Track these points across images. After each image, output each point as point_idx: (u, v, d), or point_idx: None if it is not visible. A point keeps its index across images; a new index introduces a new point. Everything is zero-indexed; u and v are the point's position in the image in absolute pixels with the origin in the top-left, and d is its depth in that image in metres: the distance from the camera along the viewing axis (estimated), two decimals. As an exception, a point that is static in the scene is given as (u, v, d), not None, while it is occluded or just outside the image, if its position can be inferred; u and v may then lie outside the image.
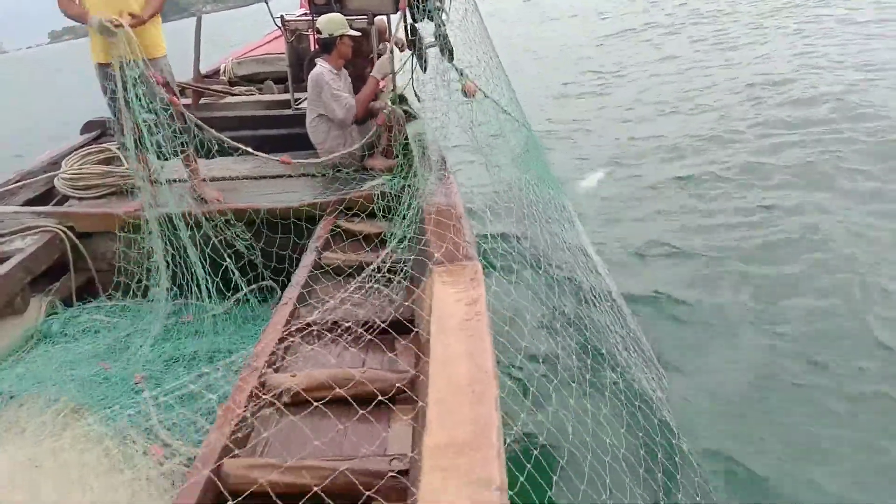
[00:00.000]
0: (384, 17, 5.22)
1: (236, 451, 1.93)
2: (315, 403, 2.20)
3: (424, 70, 4.70)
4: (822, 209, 5.48)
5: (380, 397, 2.19)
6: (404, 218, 3.61)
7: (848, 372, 3.61)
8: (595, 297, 3.65)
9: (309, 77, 4.36)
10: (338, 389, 2.22)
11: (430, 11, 4.05)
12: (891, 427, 3.22)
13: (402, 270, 3.14)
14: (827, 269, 4.55)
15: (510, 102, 4.23)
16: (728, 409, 3.45)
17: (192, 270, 3.58)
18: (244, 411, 2.06)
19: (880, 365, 3.65)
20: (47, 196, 4.35)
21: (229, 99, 5.74)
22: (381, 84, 4.29)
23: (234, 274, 3.60)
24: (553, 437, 2.36)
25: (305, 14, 5.28)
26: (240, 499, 1.74)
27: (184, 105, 3.93)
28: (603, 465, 2.35)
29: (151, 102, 3.59)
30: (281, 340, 2.51)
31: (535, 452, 1.93)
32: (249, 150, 3.78)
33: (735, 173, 6.56)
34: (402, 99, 5.11)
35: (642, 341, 3.65)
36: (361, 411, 2.17)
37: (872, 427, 3.24)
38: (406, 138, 4.43)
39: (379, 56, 4.96)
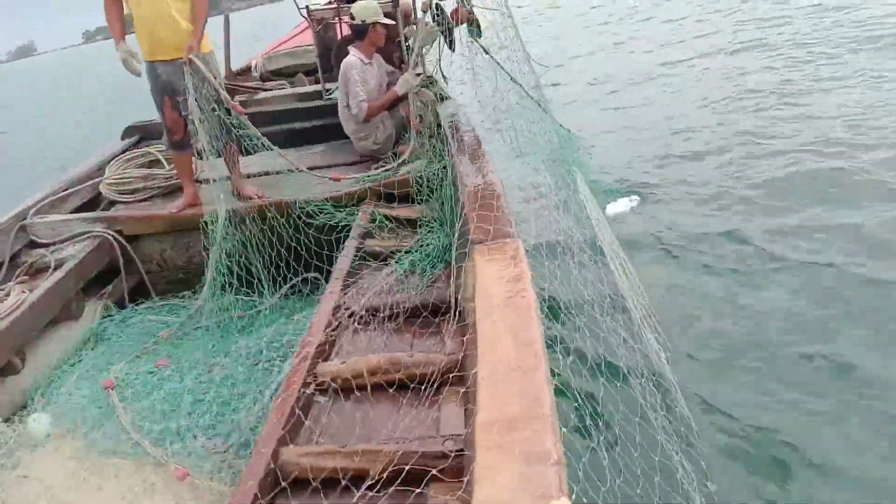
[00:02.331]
0: (409, 0, 5.19)
1: (292, 440, 1.96)
2: (365, 389, 2.22)
3: (452, 49, 4.66)
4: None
5: (429, 380, 2.19)
6: (442, 200, 3.60)
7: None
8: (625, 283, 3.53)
9: (341, 65, 4.37)
10: (388, 374, 2.23)
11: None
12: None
13: (443, 252, 3.14)
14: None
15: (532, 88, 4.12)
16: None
17: (241, 267, 3.65)
18: (297, 400, 2.09)
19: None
20: (94, 201, 4.46)
21: (262, 94, 5.79)
22: (405, 110, 4.28)
23: (279, 268, 3.65)
24: (607, 410, 2.33)
25: (330, 3, 5.27)
26: (291, 485, 1.76)
27: None
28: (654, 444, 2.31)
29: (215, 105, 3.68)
30: (328, 329, 2.54)
31: (593, 425, 1.91)
32: (285, 156, 3.81)
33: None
34: (431, 81, 5.09)
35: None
36: (412, 395, 2.18)
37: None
38: (438, 120, 4.41)
39: (407, 40, 4.94)
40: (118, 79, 3.91)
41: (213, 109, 3.69)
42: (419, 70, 5.02)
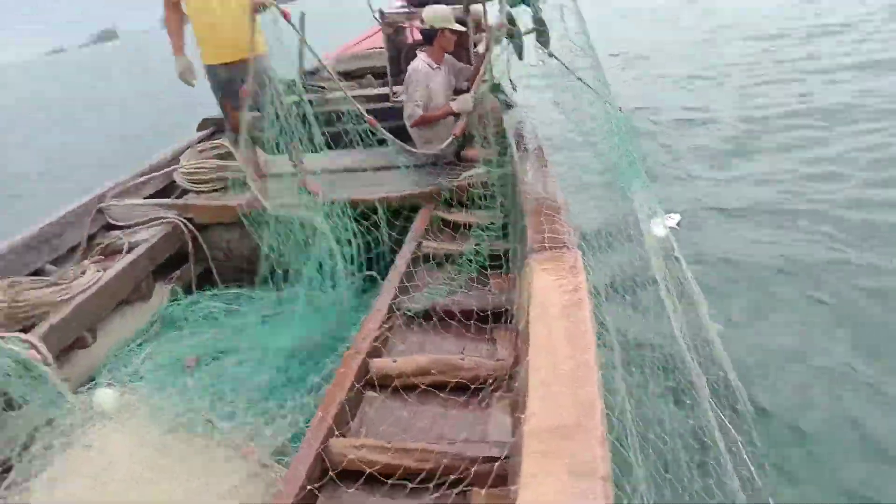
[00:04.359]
0: (479, 6, 5.21)
1: (341, 432, 2.00)
2: (415, 389, 2.25)
3: (521, 58, 4.66)
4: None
5: (480, 385, 2.21)
6: (502, 207, 3.61)
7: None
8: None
9: (408, 69, 4.43)
10: (438, 375, 2.26)
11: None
12: None
13: (501, 259, 3.15)
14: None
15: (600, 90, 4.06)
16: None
17: (302, 261, 3.74)
18: (348, 394, 2.13)
19: None
20: (169, 189, 4.66)
21: (331, 94, 5.92)
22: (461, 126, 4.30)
23: (340, 264, 3.72)
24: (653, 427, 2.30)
25: (404, 7, 5.36)
26: (338, 475, 1.80)
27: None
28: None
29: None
30: (382, 327, 2.58)
31: (638, 441, 1.89)
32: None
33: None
34: (497, 88, 5.10)
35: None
36: (461, 398, 2.20)
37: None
38: (503, 127, 4.42)
39: (475, 46, 4.97)
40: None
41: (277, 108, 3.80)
42: (485, 77, 5.05)
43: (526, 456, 1.46)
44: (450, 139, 4.37)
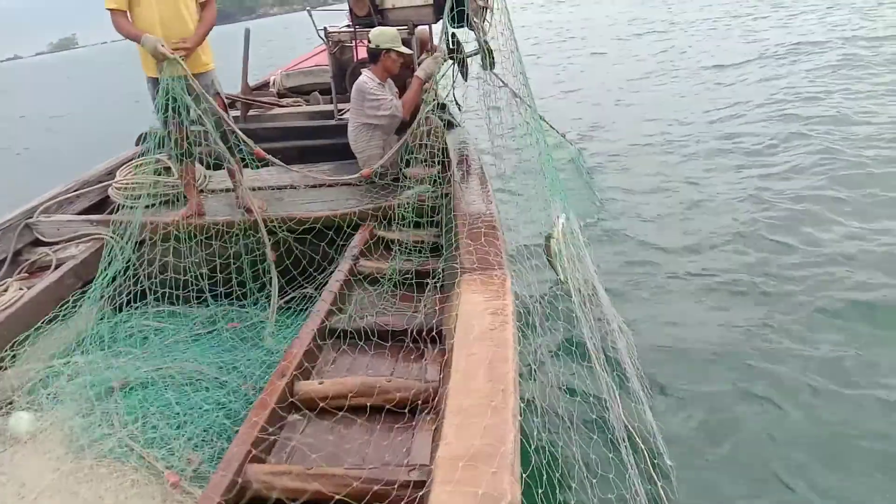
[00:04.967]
0: (426, 27, 5.26)
1: (261, 457, 1.96)
2: (342, 411, 2.23)
3: (465, 78, 4.71)
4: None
5: (406, 407, 2.20)
6: (439, 226, 3.63)
7: None
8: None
9: (353, 85, 4.42)
10: (365, 397, 2.24)
11: (469, 19, 4.05)
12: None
13: (435, 278, 3.15)
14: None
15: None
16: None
17: (236, 278, 3.68)
18: (270, 417, 2.09)
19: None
20: (102, 204, 4.53)
21: (276, 110, 5.88)
22: (427, 85, 4.24)
23: (275, 281, 3.67)
24: (570, 453, 2.32)
25: (349, 26, 5.36)
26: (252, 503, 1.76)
27: (233, 117, 4.05)
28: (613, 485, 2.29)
29: (201, 115, 3.72)
30: (312, 347, 2.55)
31: (555, 469, 1.90)
32: (276, 161, 3.84)
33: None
34: (442, 107, 5.14)
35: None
36: (387, 420, 2.18)
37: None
38: (446, 146, 4.45)
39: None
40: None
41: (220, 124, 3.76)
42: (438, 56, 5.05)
43: (436, 484, 1.45)
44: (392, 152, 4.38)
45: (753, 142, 7.92)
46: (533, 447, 1.83)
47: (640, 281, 4.91)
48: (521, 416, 1.69)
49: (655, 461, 2.72)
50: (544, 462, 1.86)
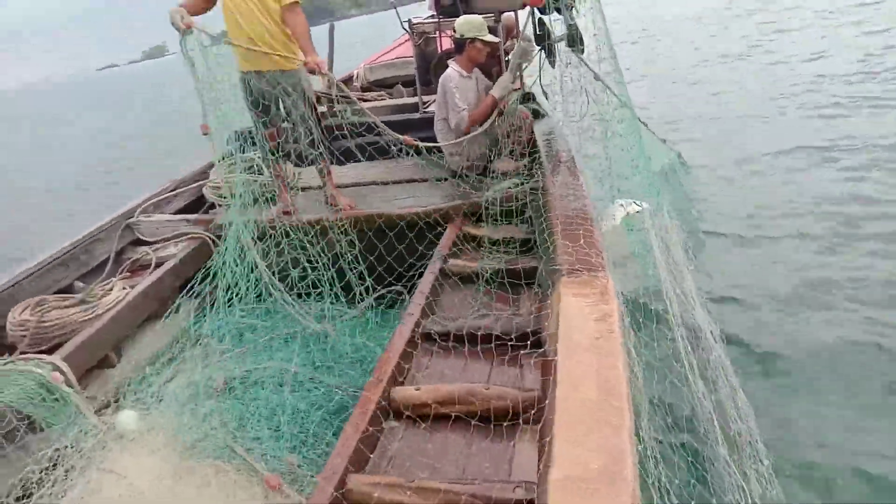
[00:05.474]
0: (512, 14, 5.11)
1: (360, 467, 1.92)
2: (439, 418, 2.16)
3: (553, 65, 4.55)
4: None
5: (505, 415, 2.11)
6: (531, 223, 3.50)
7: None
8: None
9: (440, 79, 4.35)
10: (463, 405, 2.16)
11: (558, 4, 3.89)
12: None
13: (530, 278, 3.03)
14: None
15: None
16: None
17: (327, 276, 3.69)
18: (367, 426, 2.05)
19: None
20: (198, 203, 4.65)
21: (361, 105, 5.88)
22: (501, 105, 4.17)
23: (365, 280, 3.66)
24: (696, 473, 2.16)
25: (433, 16, 5.29)
26: None
27: (321, 112, 4.07)
28: None
29: (292, 112, 3.74)
30: (406, 351, 2.49)
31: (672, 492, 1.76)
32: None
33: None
34: (529, 97, 4.99)
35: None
36: (486, 429, 2.10)
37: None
38: (534, 138, 4.31)
39: (507, 54, 4.86)
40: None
41: (307, 122, 3.77)
42: (517, 84, 4.93)
43: None
44: (482, 151, 4.28)
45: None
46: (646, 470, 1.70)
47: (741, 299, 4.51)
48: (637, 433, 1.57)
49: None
50: (662, 482, 1.72)
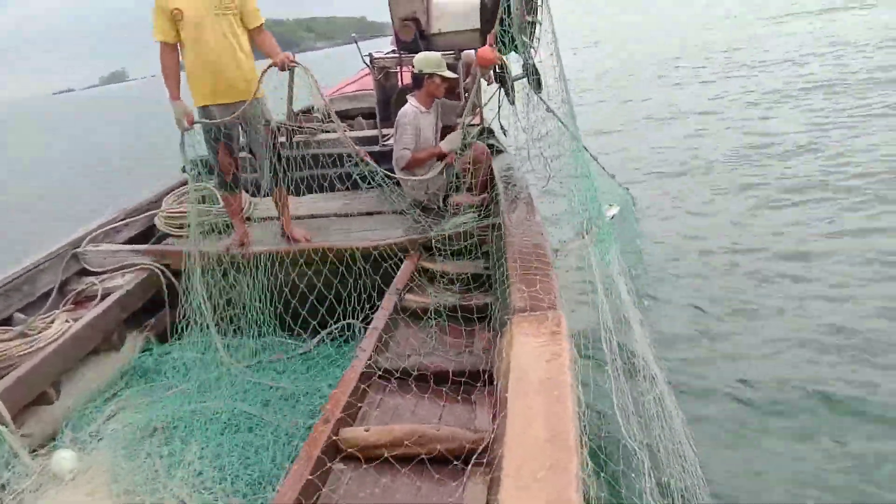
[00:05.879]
0: (471, 52, 5.18)
1: None
2: (389, 461, 2.11)
3: (512, 102, 4.61)
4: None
5: (456, 457, 2.08)
6: (487, 258, 3.51)
7: None
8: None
9: (398, 114, 4.38)
10: (413, 447, 2.12)
11: (516, 43, 3.96)
12: None
13: (484, 315, 3.03)
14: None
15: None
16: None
17: (280, 309, 3.63)
18: (316, 467, 2.00)
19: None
20: (148, 234, 4.54)
21: (320, 136, 5.86)
22: (449, 158, 4.23)
23: (318, 314, 3.61)
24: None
25: (394, 51, 5.33)
26: None
27: (280, 143, 4.04)
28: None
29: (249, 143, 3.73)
30: (358, 388, 2.45)
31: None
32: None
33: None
34: (488, 132, 5.05)
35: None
36: (436, 470, 2.07)
37: None
38: (492, 173, 4.34)
39: (466, 91, 4.91)
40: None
41: (268, 150, 3.74)
42: (476, 121, 4.98)
43: None
44: (440, 184, 4.29)
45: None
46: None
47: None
48: (584, 476, 1.56)
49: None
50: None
